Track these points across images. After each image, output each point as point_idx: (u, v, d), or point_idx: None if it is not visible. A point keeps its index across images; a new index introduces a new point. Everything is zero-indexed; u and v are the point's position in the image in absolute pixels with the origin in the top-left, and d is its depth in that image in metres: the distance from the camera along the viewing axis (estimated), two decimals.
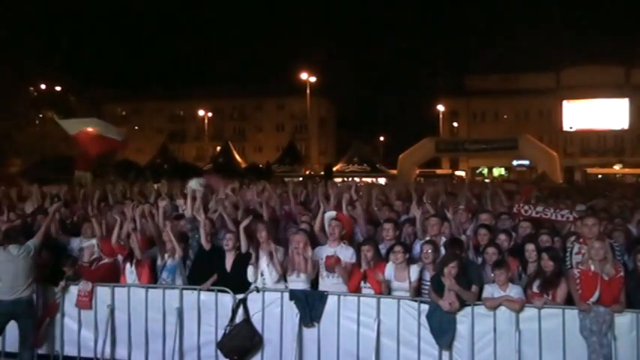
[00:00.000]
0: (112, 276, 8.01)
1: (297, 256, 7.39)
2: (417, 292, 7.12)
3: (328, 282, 7.34)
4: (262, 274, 7.52)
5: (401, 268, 7.13)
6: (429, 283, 7.19)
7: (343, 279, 7.31)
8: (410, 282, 7.03)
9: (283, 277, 7.52)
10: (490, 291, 6.85)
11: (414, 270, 7.16)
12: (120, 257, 8.19)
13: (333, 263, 7.33)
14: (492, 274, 6.94)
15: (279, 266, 7.43)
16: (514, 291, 6.78)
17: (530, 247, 7.22)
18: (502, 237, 7.77)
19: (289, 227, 8.87)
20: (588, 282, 6.41)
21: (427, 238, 7.72)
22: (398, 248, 7.20)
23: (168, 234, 7.92)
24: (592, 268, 6.44)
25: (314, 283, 7.46)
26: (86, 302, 7.80)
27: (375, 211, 10.11)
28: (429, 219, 8.07)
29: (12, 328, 7.94)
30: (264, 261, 7.52)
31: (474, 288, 6.82)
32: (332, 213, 8.10)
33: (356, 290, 7.33)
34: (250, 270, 7.57)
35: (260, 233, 7.68)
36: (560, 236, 7.95)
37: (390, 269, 7.19)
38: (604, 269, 6.40)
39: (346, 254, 7.45)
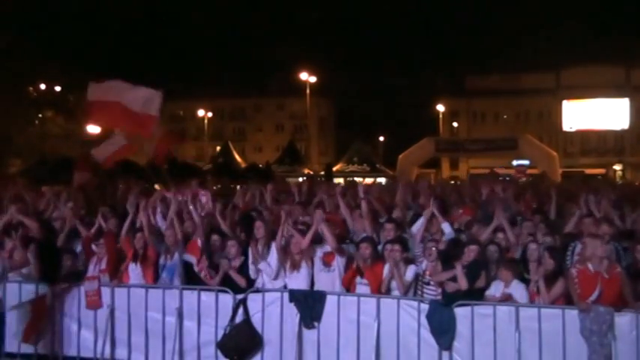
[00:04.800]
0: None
1: (296, 255, 7.45)
2: (412, 292, 7.19)
3: (324, 275, 7.43)
4: (262, 272, 7.58)
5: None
6: (428, 285, 7.23)
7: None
8: (403, 281, 7.08)
9: (283, 271, 7.57)
10: (494, 288, 6.90)
11: (411, 270, 7.20)
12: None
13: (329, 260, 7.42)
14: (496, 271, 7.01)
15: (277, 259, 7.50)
16: (519, 287, 6.81)
17: (532, 246, 7.22)
18: (500, 236, 7.78)
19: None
20: (587, 281, 6.40)
21: (430, 237, 7.76)
22: (397, 247, 7.22)
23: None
24: (590, 266, 6.43)
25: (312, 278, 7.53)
26: (96, 301, 7.80)
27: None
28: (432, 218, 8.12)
29: (12, 328, 7.95)
30: (267, 257, 7.57)
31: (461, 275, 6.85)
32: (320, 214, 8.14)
33: (349, 284, 7.35)
34: (250, 270, 7.65)
35: (258, 231, 7.74)
36: (559, 235, 7.98)
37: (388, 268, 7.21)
38: (602, 267, 6.40)
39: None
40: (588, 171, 51.80)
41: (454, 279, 6.88)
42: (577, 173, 45.63)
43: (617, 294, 6.39)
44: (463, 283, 6.82)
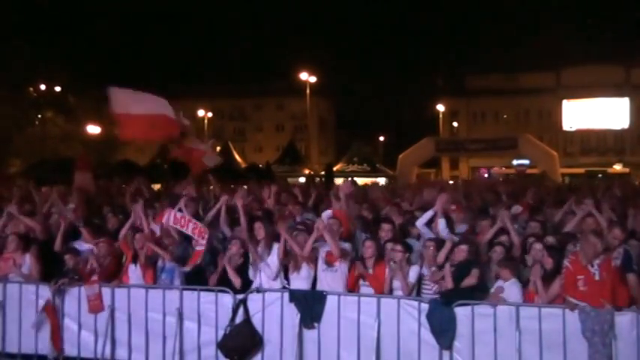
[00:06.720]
0: (114, 275, 8.03)
1: (298, 254, 7.44)
2: (415, 293, 7.19)
3: (327, 275, 7.40)
4: (260, 272, 7.55)
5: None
6: (428, 284, 7.23)
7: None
8: (407, 282, 7.08)
9: (284, 274, 7.56)
10: (496, 287, 6.92)
11: (414, 271, 7.19)
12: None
13: (332, 260, 7.39)
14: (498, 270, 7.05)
15: (277, 260, 7.49)
16: (512, 286, 6.82)
17: (537, 246, 7.22)
18: (503, 238, 7.77)
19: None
20: (576, 272, 6.43)
21: (431, 236, 7.77)
22: (398, 247, 7.22)
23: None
24: (582, 260, 6.44)
25: (313, 278, 7.51)
26: (97, 305, 7.81)
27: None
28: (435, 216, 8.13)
29: (12, 328, 7.97)
30: (266, 258, 7.55)
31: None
32: (329, 212, 8.17)
33: (354, 284, 7.35)
34: (250, 270, 7.63)
35: (258, 232, 7.72)
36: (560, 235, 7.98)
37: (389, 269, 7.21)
38: (594, 263, 6.41)
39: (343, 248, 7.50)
40: (612, 170, 51.92)
41: (444, 277, 6.97)
42: (600, 172, 45.86)
43: (608, 291, 6.37)
44: (449, 282, 6.89)
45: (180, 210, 8.39)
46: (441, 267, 7.16)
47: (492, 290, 6.93)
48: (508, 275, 6.89)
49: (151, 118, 10.35)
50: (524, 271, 7.26)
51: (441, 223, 7.76)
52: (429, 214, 8.04)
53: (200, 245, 7.80)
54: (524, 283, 7.00)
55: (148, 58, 70.10)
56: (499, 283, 6.95)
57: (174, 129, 10.92)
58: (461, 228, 8.43)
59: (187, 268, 7.81)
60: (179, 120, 10.91)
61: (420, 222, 8.14)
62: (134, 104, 10.37)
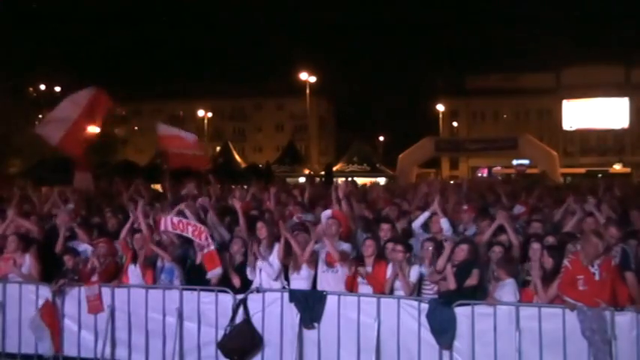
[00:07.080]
0: (114, 276, 8.03)
1: (298, 256, 7.44)
2: (415, 293, 7.18)
3: (328, 276, 7.40)
4: (260, 271, 7.54)
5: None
6: (428, 284, 7.23)
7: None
8: (408, 282, 7.07)
9: (284, 273, 7.56)
10: (493, 287, 6.91)
11: (415, 271, 7.19)
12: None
13: (333, 261, 7.38)
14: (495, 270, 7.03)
15: (278, 259, 7.48)
16: (506, 287, 6.81)
17: (536, 245, 7.22)
18: (503, 237, 7.76)
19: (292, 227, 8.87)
20: (576, 272, 6.43)
21: (429, 236, 7.76)
22: (399, 247, 7.22)
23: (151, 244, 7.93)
24: (583, 260, 6.44)
25: (314, 278, 7.51)
26: (97, 305, 7.80)
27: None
28: (433, 217, 8.14)
29: (12, 328, 7.97)
30: (268, 257, 7.55)
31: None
32: (328, 212, 8.17)
33: (352, 283, 7.35)
34: (248, 269, 7.62)
35: (260, 231, 7.72)
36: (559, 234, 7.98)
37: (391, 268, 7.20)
38: (594, 263, 6.41)
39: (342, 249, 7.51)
40: (612, 170, 52.11)
41: (445, 278, 6.94)
42: (600, 172, 46.06)
43: (608, 290, 6.38)
44: (452, 283, 6.86)
45: (180, 214, 8.33)
46: (440, 271, 7.14)
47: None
48: (504, 275, 6.88)
49: (84, 114, 10.76)
50: (523, 272, 7.25)
51: (445, 224, 7.73)
52: (425, 215, 8.03)
53: (208, 246, 7.72)
54: (523, 284, 7.01)
55: (149, 59, 70.15)
56: (497, 283, 6.95)
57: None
58: (471, 229, 8.44)
59: (216, 273, 7.64)
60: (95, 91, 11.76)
61: (416, 223, 8.14)
62: (65, 119, 10.79)
